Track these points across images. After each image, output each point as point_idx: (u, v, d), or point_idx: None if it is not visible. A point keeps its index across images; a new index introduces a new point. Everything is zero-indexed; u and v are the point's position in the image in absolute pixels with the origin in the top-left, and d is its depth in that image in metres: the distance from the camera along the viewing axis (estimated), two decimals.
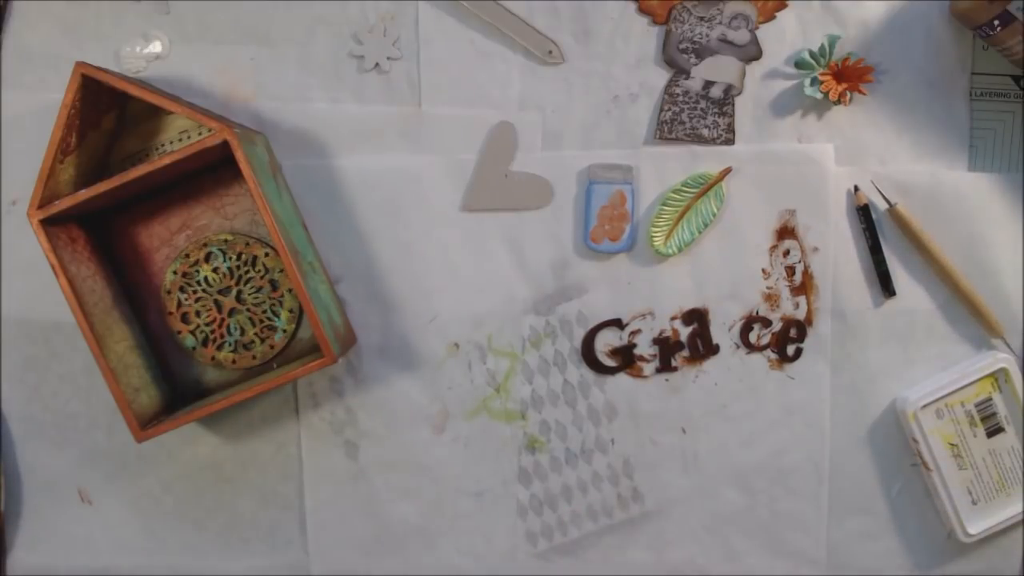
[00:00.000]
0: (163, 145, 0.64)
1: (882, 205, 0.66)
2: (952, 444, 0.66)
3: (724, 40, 0.65)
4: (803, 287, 0.66)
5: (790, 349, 0.67)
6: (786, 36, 0.65)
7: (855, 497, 0.67)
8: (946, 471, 0.65)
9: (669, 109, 0.65)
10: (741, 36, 0.65)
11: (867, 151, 0.66)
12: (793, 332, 0.66)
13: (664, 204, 0.65)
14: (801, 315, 0.66)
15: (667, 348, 0.67)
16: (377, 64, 0.65)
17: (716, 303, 0.66)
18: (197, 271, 0.64)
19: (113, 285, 0.63)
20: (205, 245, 0.64)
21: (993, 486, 0.66)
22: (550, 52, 0.54)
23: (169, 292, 0.64)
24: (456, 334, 0.67)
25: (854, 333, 0.66)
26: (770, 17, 0.65)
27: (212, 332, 0.64)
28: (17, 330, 0.66)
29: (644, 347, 0.67)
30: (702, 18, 0.65)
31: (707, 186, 0.65)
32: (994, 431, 0.66)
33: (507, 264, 0.66)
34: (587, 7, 0.65)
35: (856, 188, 0.65)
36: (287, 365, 0.64)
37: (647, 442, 0.67)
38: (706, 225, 0.65)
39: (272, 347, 0.65)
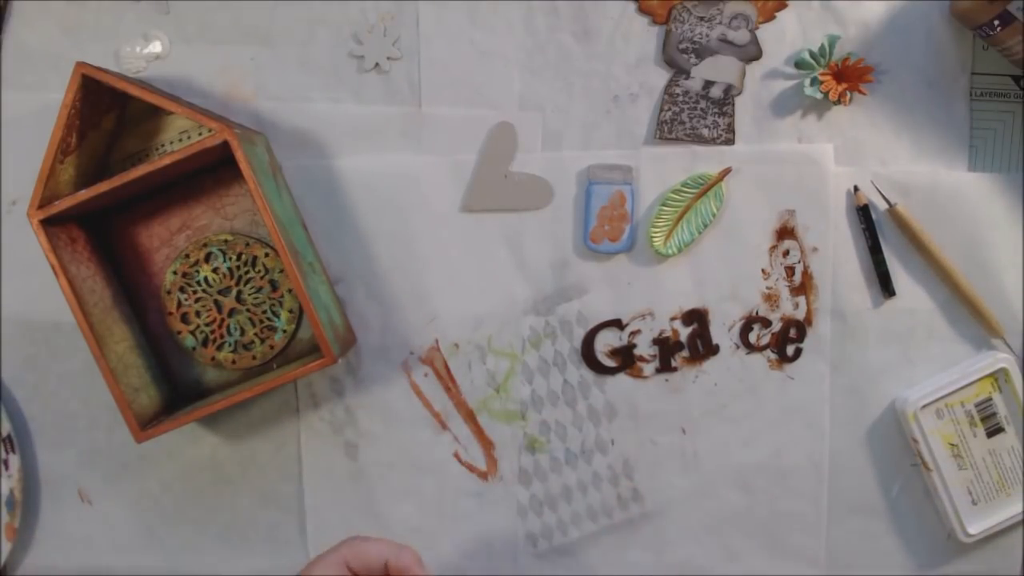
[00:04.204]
0: (163, 145, 0.64)
1: (882, 205, 0.66)
2: (952, 444, 0.66)
3: (724, 40, 0.65)
4: (803, 287, 0.66)
5: (790, 349, 0.66)
6: (786, 36, 0.65)
7: (855, 497, 0.67)
8: (946, 471, 0.65)
9: (669, 109, 0.65)
10: (741, 36, 0.65)
11: (867, 151, 0.66)
12: (793, 332, 0.66)
13: (664, 204, 0.65)
14: (801, 315, 0.66)
15: (667, 348, 0.66)
16: (377, 64, 0.65)
17: (716, 303, 0.66)
18: (197, 271, 0.64)
19: (113, 285, 0.63)
20: (205, 245, 0.64)
21: (993, 486, 0.66)
22: None
23: (169, 292, 0.64)
24: (456, 334, 0.67)
25: (854, 333, 0.66)
26: (770, 17, 0.65)
27: (212, 332, 0.64)
28: (17, 330, 0.66)
29: (644, 347, 0.67)
30: (702, 18, 0.65)
31: (707, 186, 0.65)
32: (994, 431, 0.66)
33: (507, 264, 0.66)
34: (587, 7, 0.65)
35: (856, 188, 0.65)
36: (287, 365, 0.64)
37: (647, 442, 0.67)
38: (706, 225, 0.65)
39: (272, 347, 0.65)
